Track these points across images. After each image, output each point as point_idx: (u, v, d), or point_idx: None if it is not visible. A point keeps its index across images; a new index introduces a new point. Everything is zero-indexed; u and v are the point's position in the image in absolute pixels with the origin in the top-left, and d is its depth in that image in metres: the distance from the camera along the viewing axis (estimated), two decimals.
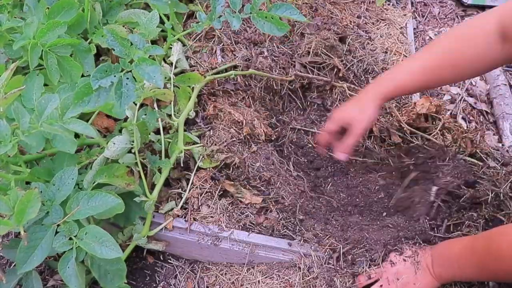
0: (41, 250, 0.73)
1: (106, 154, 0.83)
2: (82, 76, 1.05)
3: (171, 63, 1.07)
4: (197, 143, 1.01)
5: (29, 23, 0.89)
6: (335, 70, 1.26)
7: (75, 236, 0.73)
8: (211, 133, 1.04)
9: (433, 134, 1.16)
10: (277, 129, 1.18)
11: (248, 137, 1.06)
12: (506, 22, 0.80)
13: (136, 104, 0.91)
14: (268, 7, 0.87)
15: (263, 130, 1.07)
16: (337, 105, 1.25)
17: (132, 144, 0.86)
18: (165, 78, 1.00)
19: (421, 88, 0.97)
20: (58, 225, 0.73)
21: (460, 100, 1.39)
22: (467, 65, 0.87)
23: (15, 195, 0.67)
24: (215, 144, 1.02)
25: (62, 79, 0.92)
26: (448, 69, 0.88)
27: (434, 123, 1.19)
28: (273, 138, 1.15)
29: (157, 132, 0.99)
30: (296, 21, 1.29)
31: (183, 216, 0.96)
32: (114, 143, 0.84)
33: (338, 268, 0.92)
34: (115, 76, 0.73)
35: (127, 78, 0.73)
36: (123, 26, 1.08)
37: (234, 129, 1.05)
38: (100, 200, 0.75)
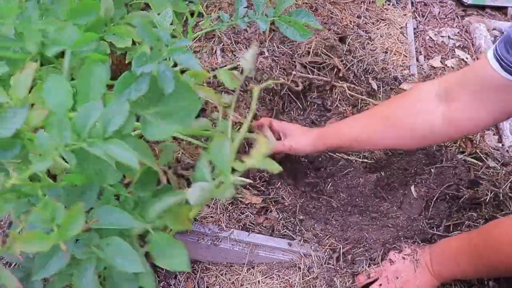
0: (57, 258, 0.70)
1: (190, 200, 0.65)
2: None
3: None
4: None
5: (61, 27, 0.86)
6: (335, 70, 1.26)
7: (95, 246, 0.69)
8: None
9: None
10: None
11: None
12: (448, 83, 0.80)
13: None
14: (289, 13, 0.88)
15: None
16: (337, 105, 1.25)
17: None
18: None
19: (351, 144, 0.96)
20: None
21: None
22: (401, 117, 0.85)
23: (51, 207, 0.63)
24: None
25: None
26: (381, 123, 0.88)
27: None
28: None
29: None
30: None
31: None
32: (198, 188, 0.66)
33: (338, 268, 0.92)
34: (153, 64, 0.73)
35: (164, 66, 0.74)
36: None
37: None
38: (118, 217, 0.71)
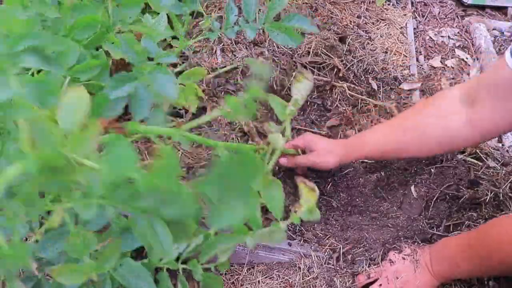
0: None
1: (248, 245, 0.64)
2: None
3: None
4: None
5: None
6: (335, 70, 1.26)
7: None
8: (211, 133, 1.05)
9: None
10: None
11: (248, 137, 1.06)
12: (471, 89, 0.80)
13: None
14: (282, 18, 0.87)
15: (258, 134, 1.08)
16: (337, 105, 1.25)
17: None
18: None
19: (387, 158, 0.99)
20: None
21: None
22: (427, 125, 0.85)
23: (84, 237, 0.63)
24: None
25: None
26: (407, 134, 0.88)
27: None
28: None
29: None
30: None
31: None
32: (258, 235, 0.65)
33: (338, 268, 0.92)
34: (130, 85, 0.72)
35: (142, 87, 0.73)
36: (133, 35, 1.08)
37: (231, 130, 1.05)
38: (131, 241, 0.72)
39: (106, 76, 0.90)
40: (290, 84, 1.21)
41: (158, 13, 0.99)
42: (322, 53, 1.25)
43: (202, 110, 1.10)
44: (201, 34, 0.89)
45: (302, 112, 1.25)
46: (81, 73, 0.79)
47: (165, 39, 1.11)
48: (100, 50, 0.99)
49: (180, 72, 1.11)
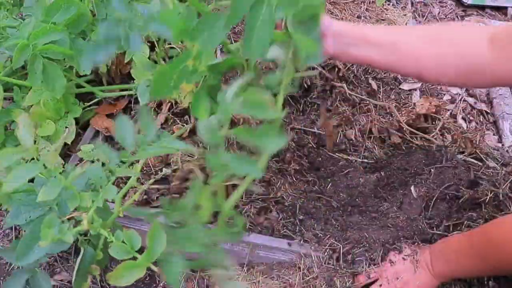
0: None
1: None
2: (80, 76, 1.05)
3: None
4: None
5: (26, 23, 0.88)
6: (335, 70, 1.26)
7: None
8: None
9: (432, 135, 1.16)
10: None
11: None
12: (497, 33, 0.74)
13: None
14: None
15: None
16: (337, 105, 1.25)
17: None
18: None
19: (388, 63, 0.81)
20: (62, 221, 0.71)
21: (460, 100, 1.39)
22: (451, 48, 0.75)
23: (127, 237, 0.64)
24: None
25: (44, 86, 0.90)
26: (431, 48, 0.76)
27: (433, 123, 1.19)
28: None
29: None
30: None
31: None
32: None
33: (338, 268, 0.92)
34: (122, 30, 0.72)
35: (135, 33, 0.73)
36: None
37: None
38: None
39: None
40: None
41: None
42: None
43: None
44: None
45: (302, 112, 1.25)
46: None
47: None
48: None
49: None
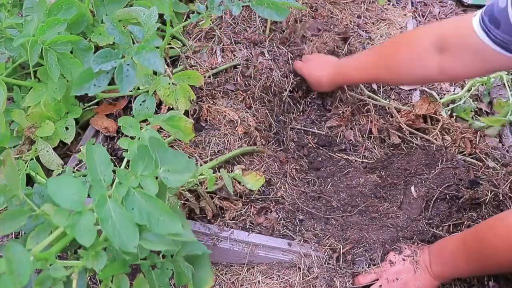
0: None
1: None
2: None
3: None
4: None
5: (29, 21, 0.88)
6: None
7: None
8: (211, 134, 1.05)
9: (432, 135, 1.16)
10: (277, 129, 1.18)
11: (248, 138, 1.06)
12: (445, 36, 0.88)
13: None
14: None
15: (258, 134, 1.08)
16: (336, 105, 1.25)
17: None
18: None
19: (365, 81, 1.22)
20: None
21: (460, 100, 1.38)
22: (401, 67, 0.98)
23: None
24: (215, 144, 1.02)
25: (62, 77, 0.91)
26: (383, 70, 1.02)
27: (433, 123, 1.19)
28: (271, 140, 1.15)
29: None
30: (296, 23, 1.29)
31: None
32: None
33: (338, 268, 0.92)
34: (115, 61, 0.73)
35: (128, 65, 0.74)
36: (122, 25, 1.08)
37: (232, 130, 1.05)
38: None
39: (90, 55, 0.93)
40: (289, 86, 1.21)
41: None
42: (323, 53, 1.25)
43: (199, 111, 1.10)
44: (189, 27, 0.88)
45: (302, 112, 1.25)
46: None
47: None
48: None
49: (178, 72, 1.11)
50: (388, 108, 1.24)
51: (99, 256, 0.57)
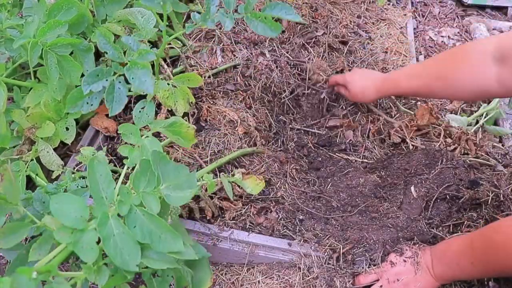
0: None
1: None
2: (82, 75, 1.05)
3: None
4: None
5: (29, 22, 0.88)
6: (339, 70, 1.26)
7: None
8: (211, 134, 1.04)
9: (433, 139, 1.16)
10: (277, 129, 1.18)
11: (248, 138, 1.06)
12: (505, 47, 0.84)
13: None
14: (263, 7, 0.86)
15: (258, 134, 1.08)
16: (337, 105, 1.25)
17: None
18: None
19: (413, 92, 1.09)
20: None
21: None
22: (457, 79, 0.92)
23: None
24: (215, 144, 1.02)
25: (61, 79, 0.91)
26: (436, 80, 0.96)
27: (434, 126, 1.19)
28: (271, 140, 1.15)
29: None
30: (296, 24, 1.29)
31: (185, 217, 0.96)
32: None
33: (338, 268, 0.92)
34: (107, 80, 0.73)
35: (119, 82, 0.74)
36: (122, 26, 1.08)
37: (232, 130, 1.05)
38: None
39: (91, 63, 0.93)
40: (289, 86, 1.21)
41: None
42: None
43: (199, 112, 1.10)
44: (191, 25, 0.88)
45: (302, 113, 1.25)
46: None
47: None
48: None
49: (178, 72, 1.11)
50: (389, 108, 1.23)
51: (101, 271, 0.57)
